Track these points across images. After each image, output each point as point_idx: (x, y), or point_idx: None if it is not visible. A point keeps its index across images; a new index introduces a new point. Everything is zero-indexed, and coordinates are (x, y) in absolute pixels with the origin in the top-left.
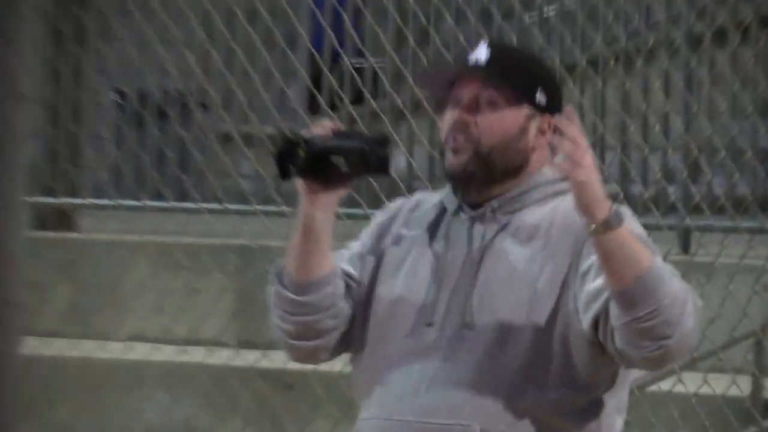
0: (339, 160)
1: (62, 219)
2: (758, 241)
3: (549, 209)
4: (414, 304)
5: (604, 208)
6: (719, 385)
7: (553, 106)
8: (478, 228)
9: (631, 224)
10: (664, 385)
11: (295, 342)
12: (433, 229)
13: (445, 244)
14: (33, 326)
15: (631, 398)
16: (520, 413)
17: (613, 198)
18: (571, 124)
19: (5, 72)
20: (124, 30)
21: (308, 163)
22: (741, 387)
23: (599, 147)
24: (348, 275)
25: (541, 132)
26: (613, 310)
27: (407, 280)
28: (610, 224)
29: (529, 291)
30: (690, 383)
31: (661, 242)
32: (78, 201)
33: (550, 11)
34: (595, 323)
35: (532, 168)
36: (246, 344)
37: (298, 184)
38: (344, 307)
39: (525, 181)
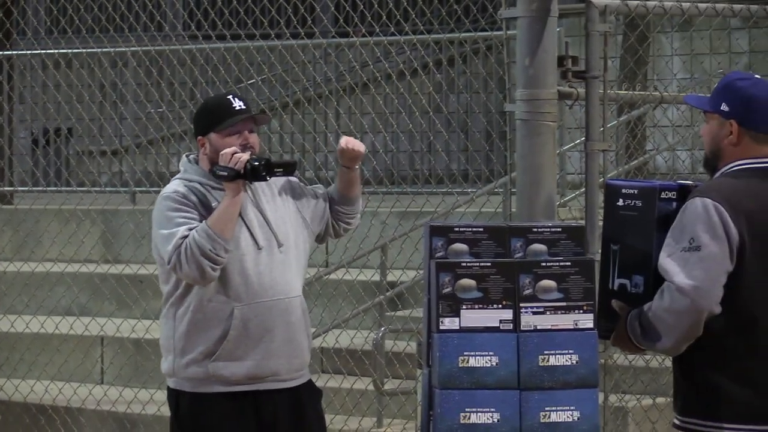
0: (278, 170)
1: None
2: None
3: (269, 182)
4: (248, 238)
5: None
6: (363, 274)
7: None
8: (252, 193)
9: None
10: (338, 275)
11: (215, 273)
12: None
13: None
14: None
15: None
16: (300, 286)
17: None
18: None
19: None
20: None
21: (263, 172)
22: (374, 276)
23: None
24: None
25: None
26: (344, 206)
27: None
28: (358, 168)
29: (293, 222)
30: (353, 273)
31: None
32: None
33: None
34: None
35: None
36: None
37: (236, 183)
38: None
39: None
